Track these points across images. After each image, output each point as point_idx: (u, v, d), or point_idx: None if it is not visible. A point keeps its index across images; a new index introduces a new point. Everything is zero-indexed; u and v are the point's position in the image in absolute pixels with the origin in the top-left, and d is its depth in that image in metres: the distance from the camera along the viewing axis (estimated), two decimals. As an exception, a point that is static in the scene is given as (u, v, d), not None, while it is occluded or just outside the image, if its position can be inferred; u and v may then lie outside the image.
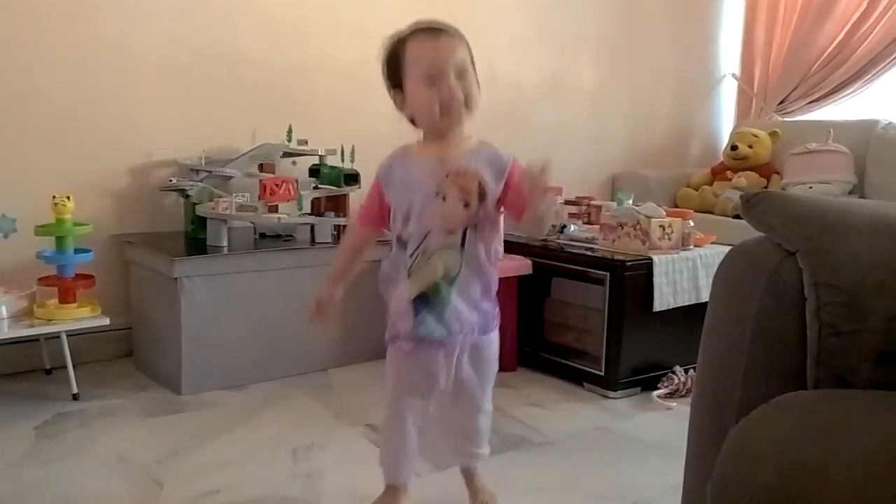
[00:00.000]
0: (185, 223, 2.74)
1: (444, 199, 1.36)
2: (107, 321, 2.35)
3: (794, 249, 1.02)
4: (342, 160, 2.83)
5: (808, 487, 0.83)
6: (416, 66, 1.36)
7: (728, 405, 1.04)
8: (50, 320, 2.27)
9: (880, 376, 0.98)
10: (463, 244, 1.39)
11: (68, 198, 2.27)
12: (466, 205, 1.36)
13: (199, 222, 2.59)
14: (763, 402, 0.98)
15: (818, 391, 0.98)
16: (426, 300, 1.40)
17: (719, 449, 0.98)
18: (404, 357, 1.49)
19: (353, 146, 2.83)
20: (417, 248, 1.39)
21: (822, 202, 1.10)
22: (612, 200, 3.24)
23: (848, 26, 4.09)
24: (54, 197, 2.26)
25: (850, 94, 4.18)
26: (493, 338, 1.53)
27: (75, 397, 2.29)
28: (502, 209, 1.43)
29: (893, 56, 3.97)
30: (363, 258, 1.54)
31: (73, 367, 2.30)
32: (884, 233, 1.02)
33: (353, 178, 2.82)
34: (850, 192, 3.62)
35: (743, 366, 1.03)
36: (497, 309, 1.51)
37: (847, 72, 4.13)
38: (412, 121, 1.44)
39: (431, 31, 1.38)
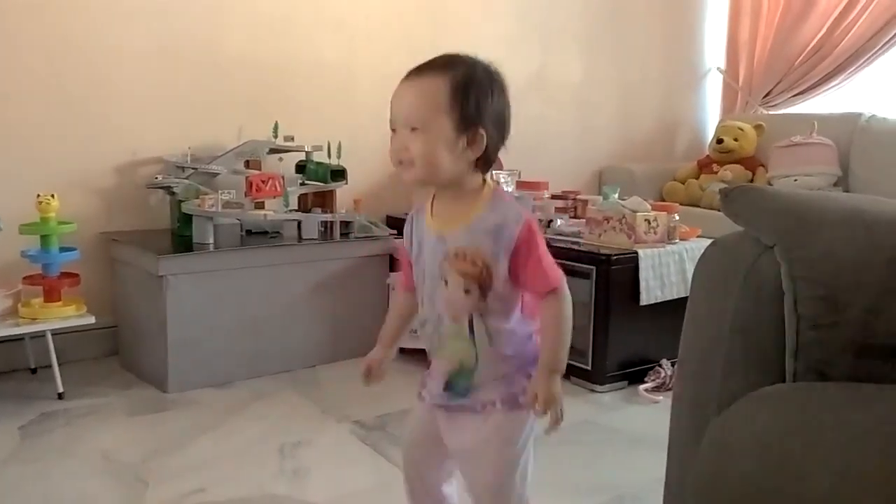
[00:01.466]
0: (171, 220, 2.73)
1: (445, 283, 1.18)
2: (92, 320, 2.34)
3: (771, 243, 1.03)
4: (329, 156, 2.83)
5: (787, 479, 0.84)
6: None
7: (708, 398, 1.05)
8: (35, 319, 2.25)
9: (859, 369, 0.99)
10: (472, 333, 1.20)
11: (53, 196, 2.26)
12: (467, 291, 1.17)
13: (185, 220, 2.58)
14: (743, 395, 0.98)
15: (797, 384, 0.99)
16: (450, 383, 1.24)
17: (700, 442, 0.99)
18: (425, 409, 1.31)
19: (339, 142, 2.82)
20: (434, 331, 1.24)
21: (799, 196, 1.10)
22: (599, 195, 3.24)
23: (831, 19, 4.11)
24: (38, 195, 2.25)
25: (833, 86, 4.20)
26: (520, 419, 1.23)
27: (60, 396, 2.28)
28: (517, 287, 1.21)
29: (876, 49, 3.99)
30: (412, 321, 1.35)
31: (59, 366, 2.29)
32: (860, 226, 1.03)
33: (339, 174, 2.81)
34: (835, 185, 3.65)
35: (722, 359, 1.04)
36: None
37: (831, 65, 4.15)
38: None
39: (413, 71, 1.18)
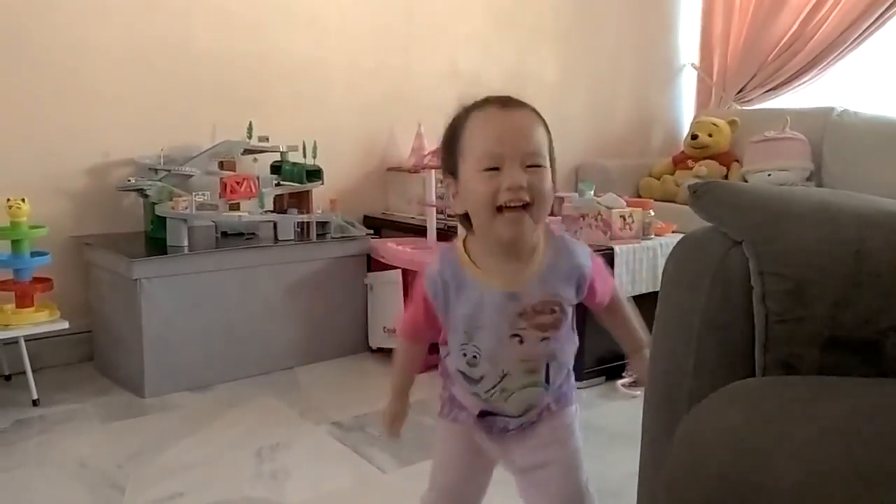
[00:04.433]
0: (145, 223, 2.70)
1: (520, 342, 1.13)
2: (66, 325, 2.32)
3: (739, 239, 1.03)
4: (304, 156, 2.82)
5: (757, 473, 0.85)
6: (474, 143, 1.07)
7: (679, 395, 1.05)
8: (7, 325, 2.23)
9: (827, 362, 1.00)
10: (547, 380, 1.18)
11: (23, 200, 2.23)
12: (544, 339, 1.14)
13: (159, 222, 2.56)
14: (713, 390, 0.99)
15: (766, 379, 1.00)
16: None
17: (672, 437, 0.99)
18: (460, 429, 1.23)
19: (314, 142, 2.81)
20: (494, 387, 1.16)
21: (767, 191, 1.11)
22: (575, 192, 3.25)
23: (803, 14, 4.15)
24: (9, 199, 2.22)
25: (806, 81, 4.24)
26: (571, 410, 1.26)
27: (35, 403, 2.25)
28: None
29: (848, 44, 4.04)
30: (419, 368, 1.28)
31: (33, 372, 2.27)
32: (827, 220, 1.04)
33: (315, 174, 2.80)
34: (808, 179, 3.68)
35: (693, 355, 1.04)
36: (573, 381, 1.28)
37: (803, 60, 4.18)
38: (465, 221, 1.13)
39: (501, 101, 1.09)
